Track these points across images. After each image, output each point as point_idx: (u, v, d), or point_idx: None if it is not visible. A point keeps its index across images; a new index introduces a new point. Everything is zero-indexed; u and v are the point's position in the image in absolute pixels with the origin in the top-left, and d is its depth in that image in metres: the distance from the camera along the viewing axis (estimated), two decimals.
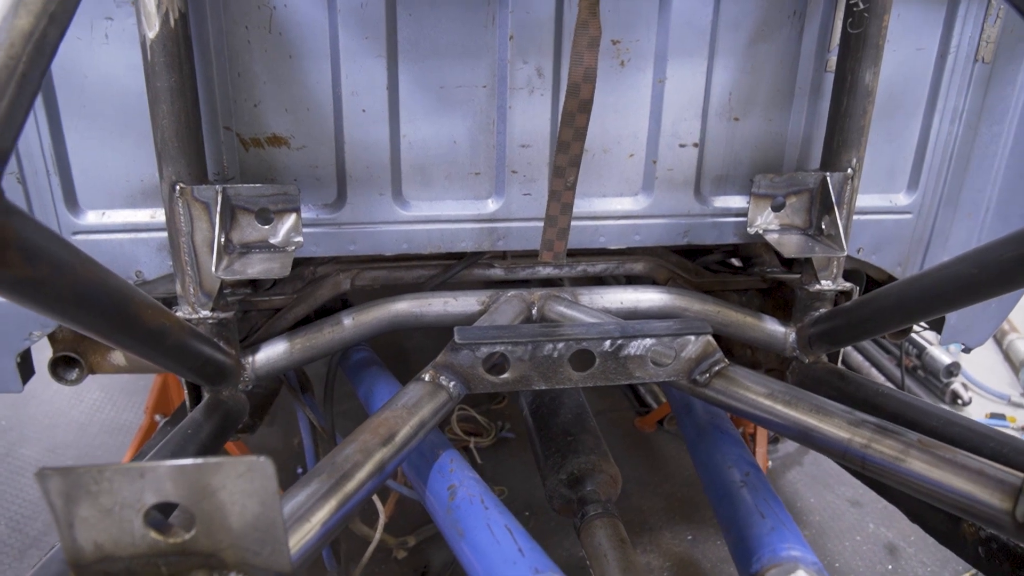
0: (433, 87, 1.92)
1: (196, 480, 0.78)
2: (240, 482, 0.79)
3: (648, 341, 1.64)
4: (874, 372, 4.51)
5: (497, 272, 2.27)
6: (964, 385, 4.45)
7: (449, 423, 3.83)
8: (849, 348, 4.76)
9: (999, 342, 5.03)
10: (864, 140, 1.98)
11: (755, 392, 1.60)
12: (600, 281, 2.54)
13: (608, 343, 1.63)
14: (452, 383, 1.62)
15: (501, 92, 1.94)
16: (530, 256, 2.27)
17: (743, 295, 2.51)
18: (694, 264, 2.48)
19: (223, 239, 1.74)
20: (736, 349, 2.63)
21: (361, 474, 1.30)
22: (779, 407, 1.54)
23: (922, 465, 1.25)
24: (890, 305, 1.75)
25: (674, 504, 3.59)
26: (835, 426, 1.42)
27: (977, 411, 4.43)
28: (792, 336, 2.09)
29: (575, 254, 2.29)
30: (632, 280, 2.46)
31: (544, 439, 1.99)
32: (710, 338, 1.69)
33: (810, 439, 1.45)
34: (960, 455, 1.21)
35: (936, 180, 2.26)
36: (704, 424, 1.99)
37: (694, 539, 3.40)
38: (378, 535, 2.43)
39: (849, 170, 1.98)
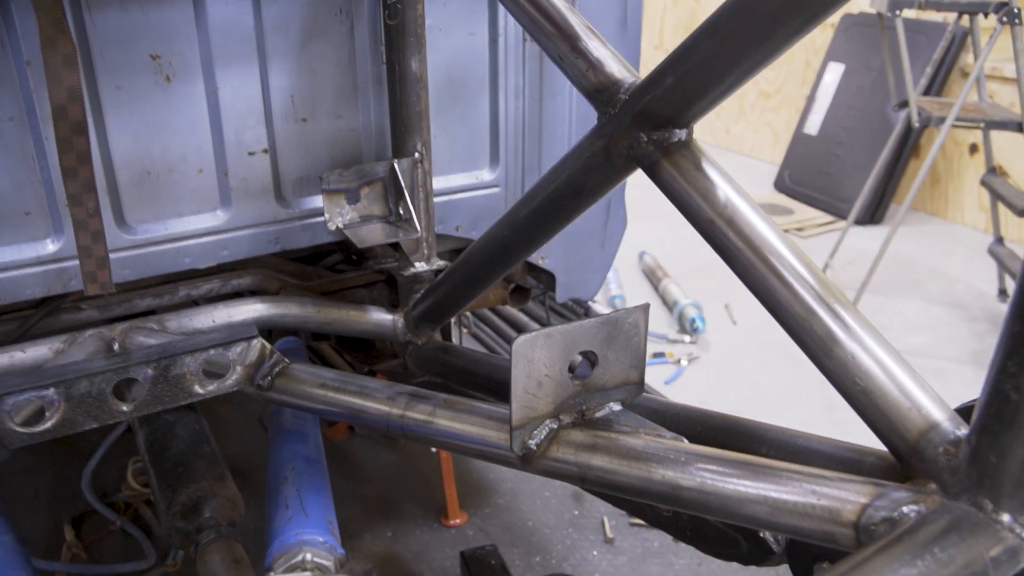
0: None
1: None
2: None
3: (200, 356, 1.61)
4: None
5: (91, 314, 2.13)
6: None
7: (126, 479, 3.58)
8: (528, 322, 5.04)
9: (655, 287, 5.57)
10: (425, 124, 2.07)
11: (310, 385, 1.62)
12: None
13: (151, 368, 1.57)
14: None
15: (33, 123, 1.80)
16: (119, 292, 2.14)
17: (371, 291, 2.55)
18: (316, 269, 2.48)
19: None
20: (379, 344, 2.68)
21: None
22: (331, 395, 1.57)
23: (447, 422, 1.32)
24: (460, 276, 1.85)
25: (372, 506, 3.61)
26: (376, 402, 1.46)
27: None
28: (400, 322, 2.15)
29: (172, 280, 2.20)
30: (252, 296, 2.41)
31: (159, 476, 1.90)
32: (263, 341, 1.69)
33: (361, 420, 1.49)
34: (477, 405, 1.30)
35: (515, 153, 2.42)
36: (284, 426, 2.00)
37: (394, 535, 3.44)
38: None
39: (416, 155, 2.07)
